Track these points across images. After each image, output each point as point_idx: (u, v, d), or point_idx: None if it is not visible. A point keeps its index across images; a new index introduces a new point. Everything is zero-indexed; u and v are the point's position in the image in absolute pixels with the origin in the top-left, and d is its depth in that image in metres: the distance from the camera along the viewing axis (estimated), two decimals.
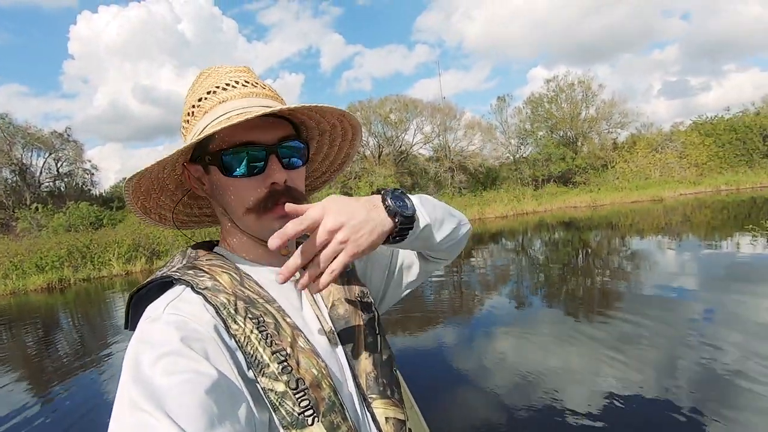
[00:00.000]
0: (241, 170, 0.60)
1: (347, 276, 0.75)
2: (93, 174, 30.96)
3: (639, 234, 11.06)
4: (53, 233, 18.67)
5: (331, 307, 0.69)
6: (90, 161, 30.88)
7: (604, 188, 25.34)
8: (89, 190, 30.66)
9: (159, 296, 0.58)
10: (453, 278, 8.12)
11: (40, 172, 28.84)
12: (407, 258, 0.85)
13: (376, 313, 0.73)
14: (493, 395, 3.22)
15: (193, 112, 0.65)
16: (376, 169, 27.75)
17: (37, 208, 21.76)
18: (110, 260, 12.76)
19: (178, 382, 0.44)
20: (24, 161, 27.80)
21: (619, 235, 11.39)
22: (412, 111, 30.80)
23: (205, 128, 0.61)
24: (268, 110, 0.54)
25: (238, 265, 0.65)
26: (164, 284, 0.60)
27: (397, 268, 0.85)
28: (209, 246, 0.71)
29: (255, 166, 0.60)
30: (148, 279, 0.61)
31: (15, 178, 27.33)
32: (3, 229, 23.02)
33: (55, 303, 9.73)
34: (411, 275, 0.85)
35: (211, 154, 0.60)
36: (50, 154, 28.91)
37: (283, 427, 0.52)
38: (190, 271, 0.59)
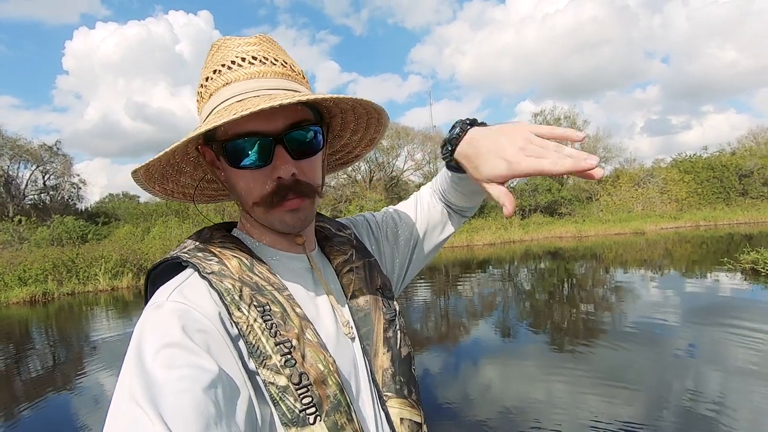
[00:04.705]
0: (246, 162, 0.56)
1: (369, 267, 0.72)
2: (80, 188, 30.56)
3: (623, 266, 11.34)
4: (35, 246, 18.28)
5: (350, 297, 0.67)
6: (78, 175, 30.52)
7: (588, 220, 25.95)
8: (74, 204, 30.20)
9: (174, 275, 0.57)
10: (440, 305, 8.22)
11: (26, 185, 28.41)
12: (432, 220, 0.84)
13: (397, 307, 0.71)
14: (476, 425, 3.24)
15: (201, 93, 0.62)
16: (367, 193, 28.03)
17: (20, 221, 21.34)
18: (96, 275, 12.56)
19: (176, 378, 0.43)
20: (10, 173, 27.42)
21: (603, 267, 11.66)
22: (403, 138, 31.44)
23: (210, 113, 0.58)
24: (268, 104, 0.49)
25: (253, 249, 0.63)
26: (179, 264, 0.58)
27: (424, 232, 0.84)
28: (228, 227, 0.68)
29: (260, 158, 0.56)
30: (161, 259, 0.60)
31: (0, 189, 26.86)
32: None
33: (37, 317, 9.51)
34: (435, 235, 0.85)
35: (216, 143, 0.57)
36: (38, 166, 28.57)
37: (282, 424, 0.50)
38: (200, 254, 0.57)
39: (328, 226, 0.76)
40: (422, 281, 11.01)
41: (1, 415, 4.15)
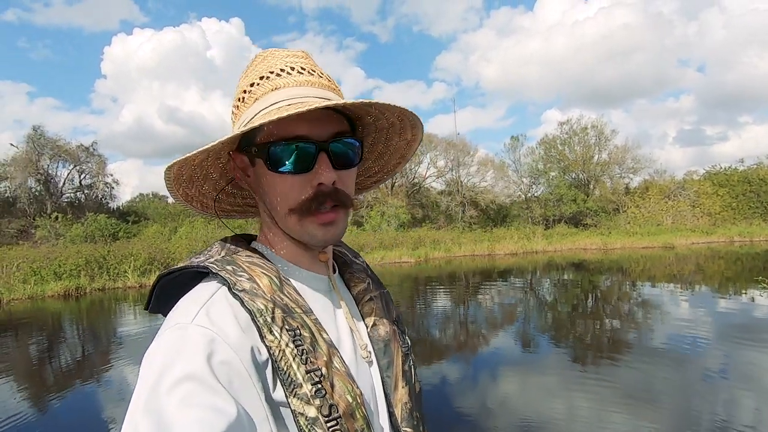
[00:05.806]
0: (287, 166, 0.55)
1: (385, 298, 0.72)
2: (113, 188, 31.81)
3: (651, 281, 10.99)
4: (70, 242, 19.12)
5: (371, 326, 0.65)
6: (112, 175, 31.78)
7: (615, 232, 25.27)
8: (107, 203, 31.44)
9: (190, 285, 0.55)
10: (459, 314, 8.16)
11: (63, 183, 29.77)
12: None
13: (410, 342, 0.70)
14: None
15: (243, 98, 0.61)
16: (389, 199, 28.10)
17: (57, 217, 22.35)
18: (126, 272, 13.03)
19: (191, 421, 0.40)
20: (49, 172, 28.81)
21: (630, 281, 11.34)
22: (426, 145, 31.45)
23: (254, 117, 0.57)
24: (323, 103, 0.50)
25: (278, 266, 0.60)
26: (197, 273, 0.56)
27: None
28: (247, 240, 0.67)
29: (303, 163, 0.55)
30: (183, 264, 0.57)
31: (39, 188, 28.23)
32: (22, 235, 23.65)
33: (70, 310, 9.93)
34: None
35: (257, 146, 0.56)
36: (75, 166, 29.92)
37: None
38: (229, 267, 0.55)
39: (346, 252, 0.76)
40: (442, 289, 10.95)
41: (33, 401, 4.37)
